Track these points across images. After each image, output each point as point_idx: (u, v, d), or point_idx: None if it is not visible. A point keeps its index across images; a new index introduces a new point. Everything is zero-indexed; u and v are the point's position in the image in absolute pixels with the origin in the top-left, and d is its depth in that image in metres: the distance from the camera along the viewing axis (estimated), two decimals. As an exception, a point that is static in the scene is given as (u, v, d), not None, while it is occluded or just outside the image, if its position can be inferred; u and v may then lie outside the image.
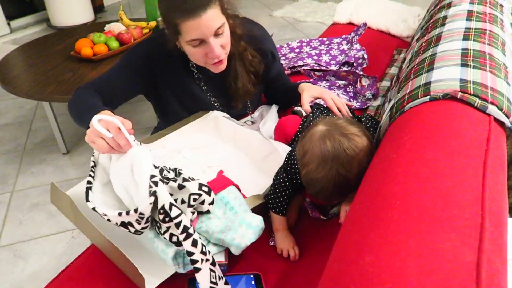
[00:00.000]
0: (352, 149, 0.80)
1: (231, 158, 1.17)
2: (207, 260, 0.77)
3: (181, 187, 0.83)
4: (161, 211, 0.76)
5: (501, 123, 0.75)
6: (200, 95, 1.27)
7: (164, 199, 0.76)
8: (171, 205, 0.76)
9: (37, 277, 1.45)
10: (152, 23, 2.29)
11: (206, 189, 0.84)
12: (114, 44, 2.08)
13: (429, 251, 0.46)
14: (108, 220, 0.79)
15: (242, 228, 0.84)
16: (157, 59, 1.16)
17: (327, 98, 1.19)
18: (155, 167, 0.83)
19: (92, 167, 0.91)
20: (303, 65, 1.75)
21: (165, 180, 0.85)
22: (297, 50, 1.96)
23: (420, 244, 0.47)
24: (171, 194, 0.84)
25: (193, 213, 0.84)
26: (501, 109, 0.75)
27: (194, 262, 0.76)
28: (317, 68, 1.74)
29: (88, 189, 0.85)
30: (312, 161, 0.83)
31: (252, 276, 0.87)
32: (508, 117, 0.75)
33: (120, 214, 0.76)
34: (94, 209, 0.79)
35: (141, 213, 0.76)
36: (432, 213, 0.51)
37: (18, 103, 2.69)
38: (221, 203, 0.88)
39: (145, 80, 1.19)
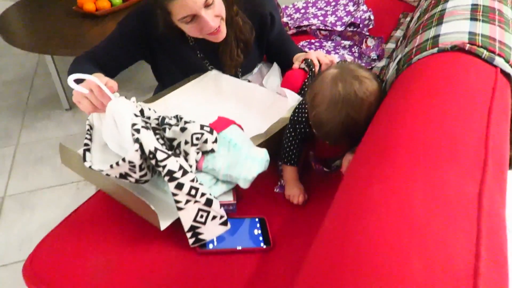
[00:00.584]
0: (363, 91, 0.81)
1: (235, 112, 1.18)
2: (195, 201, 0.80)
3: (183, 129, 0.86)
4: (151, 156, 0.79)
5: (507, 76, 0.76)
6: (195, 61, 1.27)
7: (148, 144, 0.78)
8: (156, 149, 0.78)
9: (44, 225, 1.49)
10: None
11: (208, 128, 0.87)
12: (117, 0, 2.05)
13: (435, 181, 0.49)
14: (107, 175, 0.81)
15: (247, 162, 0.86)
16: (152, 26, 1.13)
17: (312, 57, 1.18)
18: (136, 115, 0.85)
19: (88, 130, 0.93)
20: (308, 25, 1.74)
21: (167, 127, 0.88)
22: (302, 11, 1.94)
23: (426, 175, 0.50)
24: (174, 139, 0.87)
25: (197, 153, 0.86)
26: (507, 62, 0.76)
27: (176, 202, 0.79)
28: (322, 28, 1.73)
29: (86, 150, 0.87)
30: (323, 102, 0.84)
31: (257, 219, 0.91)
32: (514, 70, 0.77)
33: (111, 166, 0.79)
34: (90, 167, 0.81)
35: (130, 162, 0.78)
36: (438, 150, 0.54)
37: (18, 60, 2.67)
38: (225, 141, 0.90)
39: (141, 47, 1.19)
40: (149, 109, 0.97)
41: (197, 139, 0.86)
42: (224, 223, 0.86)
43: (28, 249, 0.85)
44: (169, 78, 1.31)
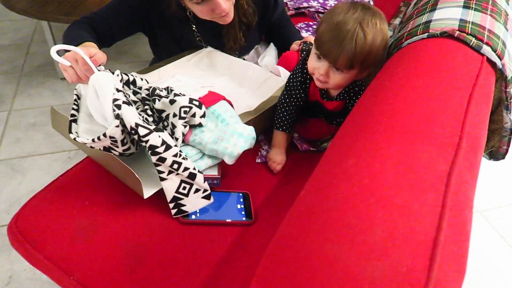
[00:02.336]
0: (373, 22, 0.82)
1: (227, 88, 1.19)
2: (177, 174, 0.82)
3: (172, 102, 0.86)
4: (133, 132, 0.79)
5: (493, 65, 0.77)
6: (192, 40, 1.28)
7: (130, 121, 0.78)
8: (137, 125, 0.78)
9: (33, 190, 1.49)
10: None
11: (196, 103, 0.88)
12: (117, -30, 2.02)
13: (407, 158, 0.50)
14: (91, 147, 0.81)
15: (233, 137, 0.88)
16: (155, 1, 1.14)
17: (311, 40, 1.24)
18: (118, 90, 0.85)
19: (75, 100, 0.93)
20: (308, 7, 1.73)
21: (157, 98, 0.88)
22: (303, -7, 1.93)
23: (399, 152, 0.51)
24: (163, 110, 0.88)
25: (185, 126, 0.87)
26: (495, 51, 0.77)
27: (159, 172, 0.81)
28: (322, 11, 1.72)
29: (72, 121, 0.87)
30: (333, 13, 0.84)
31: (241, 194, 0.93)
32: (501, 59, 0.78)
33: (93, 140, 0.79)
34: (75, 139, 0.81)
35: (111, 137, 0.78)
36: (415, 129, 0.55)
37: (14, 25, 2.65)
38: (213, 116, 0.91)
39: (140, 19, 1.19)
40: (141, 79, 0.98)
41: (185, 112, 0.86)
42: (207, 197, 0.87)
43: (16, 213, 0.87)
44: (166, 52, 1.31)
